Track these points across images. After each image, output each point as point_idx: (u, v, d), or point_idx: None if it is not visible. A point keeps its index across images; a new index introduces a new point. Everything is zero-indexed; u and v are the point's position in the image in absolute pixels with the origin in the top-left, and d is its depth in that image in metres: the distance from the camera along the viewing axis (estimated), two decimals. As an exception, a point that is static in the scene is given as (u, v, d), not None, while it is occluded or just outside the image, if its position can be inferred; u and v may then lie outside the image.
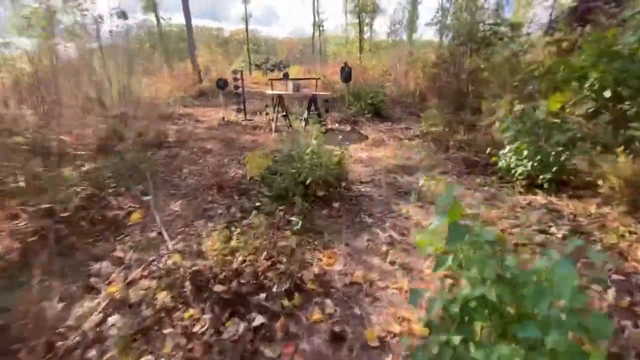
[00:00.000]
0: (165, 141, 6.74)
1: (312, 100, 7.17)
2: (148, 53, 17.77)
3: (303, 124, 7.38)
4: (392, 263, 2.66)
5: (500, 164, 4.02)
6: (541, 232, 2.97)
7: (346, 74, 8.83)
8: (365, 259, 2.74)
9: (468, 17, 14.86)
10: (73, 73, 6.77)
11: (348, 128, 7.66)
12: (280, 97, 7.13)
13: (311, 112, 7.42)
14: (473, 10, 16.46)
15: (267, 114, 8.68)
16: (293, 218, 3.18)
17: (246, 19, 23.07)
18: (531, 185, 3.85)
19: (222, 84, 8.38)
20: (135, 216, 3.46)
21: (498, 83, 6.28)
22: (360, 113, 8.89)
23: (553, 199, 3.65)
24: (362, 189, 4.18)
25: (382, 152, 5.80)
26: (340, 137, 6.84)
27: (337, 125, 8.00)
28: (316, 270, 2.52)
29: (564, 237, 2.87)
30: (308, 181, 3.57)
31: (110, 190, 3.89)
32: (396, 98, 11.22)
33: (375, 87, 10.12)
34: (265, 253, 2.55)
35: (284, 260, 2.52)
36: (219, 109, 9.40)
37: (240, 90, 8.57)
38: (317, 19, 23.11)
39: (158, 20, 20.77)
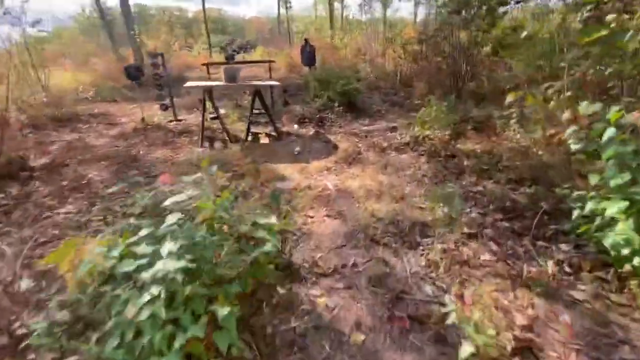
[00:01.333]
0: (26, 167, 4.16)
1: (256, 93, 4.71)
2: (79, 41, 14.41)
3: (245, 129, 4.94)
4: None
5: (607, 241, 1.80)
6: None
7: (308, 55, 6.34)
8: None
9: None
10: None
11: (311, 131, 5.26)
12: (208, 91, 4.61)
13: (256, 111, 4.96)
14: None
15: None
16: None
17: (203, -5, 19.59)
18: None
19: (133, 72, 5.71)
20: None
21: (527, 63, 4.05)
22: (329, 106, 6.47)
23: None
24: (320, 302, 1.88)
25: (358, 180, 3.49)
26: (298, 148, 4.46)
27: (295, 126, 5.57)
28: None
29: None
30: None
31: None
32: (373, 82, 8.80)
33: (348, 71, 7.67)
34: None
35: None
36: (152, 103, 6.74)
37: (162, 80, 5.94)
38: (283, -6, 19.89)
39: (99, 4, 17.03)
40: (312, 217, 2.80)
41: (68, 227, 2.79)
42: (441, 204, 2.74)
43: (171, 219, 1.39)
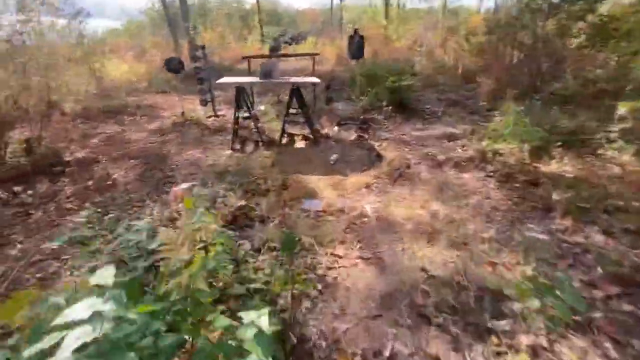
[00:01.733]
0: (61, 161, 4.05)
1: (294, 91, 4.12)
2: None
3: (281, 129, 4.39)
4: None
5: None
6: None
7: (357, 46, 5.59)
8: None
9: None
10: None
11: (353, 135, 4.56)
12: (240, 89, 4.13)
13: (294, 110, 4.39)
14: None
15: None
16: None
17: (258, -14, 19.39)
18: None
19: (175, 65, 5.45)
20: None
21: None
22: (376, 105, 5.68)
23: None
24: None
25: (404, 205, 2.76)
26: (335, 156, 3.81)
27: (335, 129, 4.89)
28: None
29: None
30: None
31: None
32: (429, 78, 7.75)
33: (401, 65, 6.76)
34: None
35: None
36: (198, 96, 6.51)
37: (203, 74, 5.62)
38: (337, -17, 18.96)
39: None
40: (340, 258, 2.16)
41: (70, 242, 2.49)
42: (522, 260, 1.93)
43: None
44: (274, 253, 2.13)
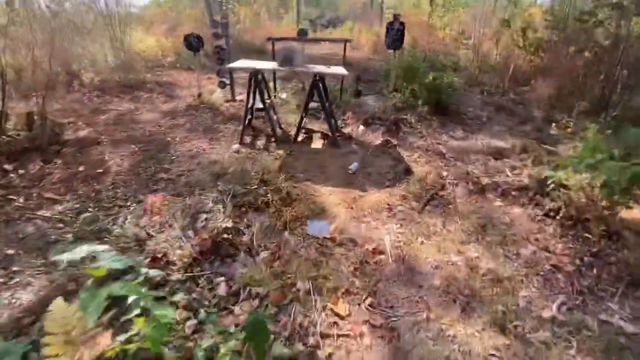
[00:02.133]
0: (59, 139, 3.72)
1: (316, 84, 3.51)
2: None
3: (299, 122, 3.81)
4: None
5: None
6: None
7: (396, 34, 4.82)
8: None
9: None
10: None
11: (379, 138, 3.91)
12: (257, 75, 3.56)
13: (314, 104, 3.79)
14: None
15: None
16: None
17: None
18: None
19: (194, 41, 4.94)
20: None
21: None
22: (411, 104, 4.95)
23: None
24: None
25: (434, 243, 2.13)
26: (355, 164, 3.21)
27: (361, 128, 4.24)
28: None
29: None
30: None
31: None
32: (475, 76, 6.81)
33: (444, 59, 5.91)
34: None
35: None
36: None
37: (223, 54, 5.09)
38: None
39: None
40: (342, 319, 1.62)
41: (27, 246, 2.10)
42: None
43: None
44: (256, 301, 1.62)
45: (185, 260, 1.67)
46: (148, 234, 1.83)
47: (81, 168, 3.22)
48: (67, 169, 3.20)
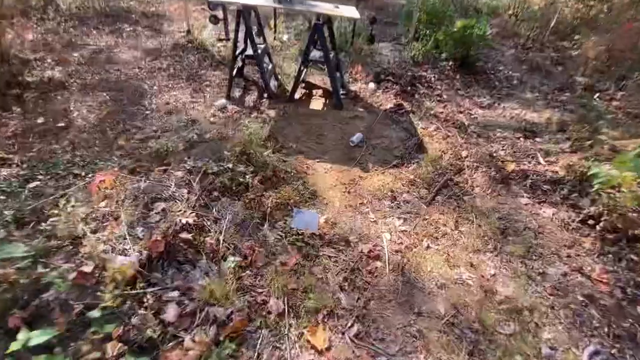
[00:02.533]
0: (20, 82, 3.17)
1: (318, 27, 2.80)
2: None
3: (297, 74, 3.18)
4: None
5: None
6: None
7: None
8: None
9: None
10: None
11: (390, 102, 3.29)
12: (245, 12, 2.84)
13: (316, 51, 3.11)
14: None
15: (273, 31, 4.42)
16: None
17: None
18: None
19: (177, -37, 4.02)
20: None
21: None
22: (432, 57, 4.17)
23: None
24: None
25: (441, 248, 1.72)
26: (358, 134, 2.70)
27: (371, 85, 3.58)
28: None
29: None
30: None
31: None
32: (510, 27, 5.76)
33: (479, 2, 4.89)
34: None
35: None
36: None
37: (214, -19, 4.19)
38: None
39: None
40: (319, 355, 1.30)
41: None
42: None
43: None
44: (213, 329, 1.29)
45: (127, 273, 1.30)
46: (84, 230, 1.46)
47: (40, 120, 2.75)
48: (24, 120, 2.74)
